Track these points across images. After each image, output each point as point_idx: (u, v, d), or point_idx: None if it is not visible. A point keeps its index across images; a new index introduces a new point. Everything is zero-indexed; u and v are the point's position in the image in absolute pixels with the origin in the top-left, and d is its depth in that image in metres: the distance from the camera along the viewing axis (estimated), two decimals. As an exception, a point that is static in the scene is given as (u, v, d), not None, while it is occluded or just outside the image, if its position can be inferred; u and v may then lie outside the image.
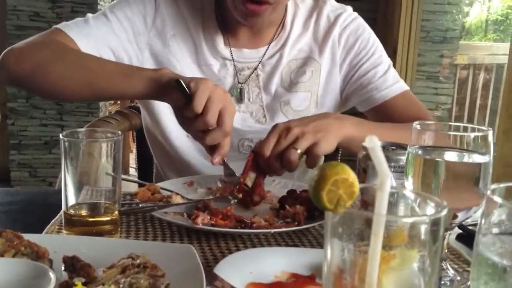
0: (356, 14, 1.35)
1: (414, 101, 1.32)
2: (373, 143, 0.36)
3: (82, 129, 0.86)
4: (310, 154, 1.00)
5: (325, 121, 1.03)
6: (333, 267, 0.46)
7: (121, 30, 1.22)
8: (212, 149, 1.03)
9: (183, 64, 1.25)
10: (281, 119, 1.27)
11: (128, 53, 1.22)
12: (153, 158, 1.48)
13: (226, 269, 0.72)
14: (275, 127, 1.01)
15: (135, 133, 1.73)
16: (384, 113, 1.27)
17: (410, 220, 0.44)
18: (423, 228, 0.43)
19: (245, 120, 1.29)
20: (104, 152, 0.85)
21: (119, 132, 0.86)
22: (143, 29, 1.24)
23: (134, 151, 1.67)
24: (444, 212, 0.42)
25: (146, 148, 1.54)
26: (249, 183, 0.99)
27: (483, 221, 0.48)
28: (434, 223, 0.42)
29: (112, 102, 6.13)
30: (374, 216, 0.40)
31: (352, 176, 0.42)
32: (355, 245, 0.45)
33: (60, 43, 1.13)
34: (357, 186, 0.42)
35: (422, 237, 0.45)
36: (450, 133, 0.73)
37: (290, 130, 0.99)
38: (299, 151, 0.97)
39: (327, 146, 1.01)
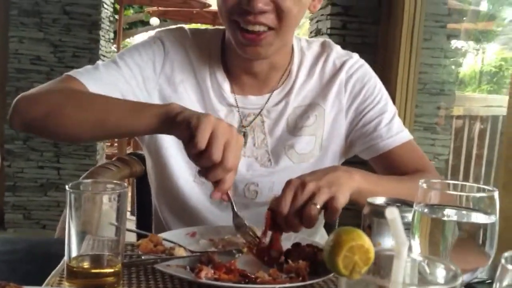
0: (362, 61, 1.37)
1: (417, 151, 1.33)
2: (394, 214, 0.36)
3: (88, 180, 0.86)
4: (329, 209, 1.00)
5: (336, 174, 1.03)
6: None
7: (131, 77, 1.24)
8: (215, 186, 1.01)
9: (191, 109, 1.26)
10: (285, 162, 1.29)
11: (138, 98, 1.24)
12: (151, 206, 1.47)
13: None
14: (289, 183, 1.01)
15: (134, 180, 1.72)
16: (387, 162, 1.28)
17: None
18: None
19: (251, 165, 1.30)
20: (109, 203, 0.84)
21: (125, 184, 0.86)
22: (152, 74, 1.27)
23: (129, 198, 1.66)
24: (460, 279, 0.42)
25: (146, 195, 1.54)
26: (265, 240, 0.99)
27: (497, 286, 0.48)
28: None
29: (109, 144, 6.15)
30: (391, 284, 0.40)
31: (367, 242, 0.42)
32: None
33: (71, 87, 1.16)
34: (372, 252, 0.42)
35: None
36: (456, 193, 0.73)
37: (305, 185, 0.99)
38: (318, 206, 0.97)
39: (343, 199, 1.00)
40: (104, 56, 4.43)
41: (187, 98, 1.28)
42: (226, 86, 1.29)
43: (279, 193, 1.01)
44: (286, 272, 0.92)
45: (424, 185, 0.74)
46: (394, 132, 1.30)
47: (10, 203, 4.36)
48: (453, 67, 3.36)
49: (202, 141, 0.95)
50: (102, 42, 4.36)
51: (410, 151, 1.32)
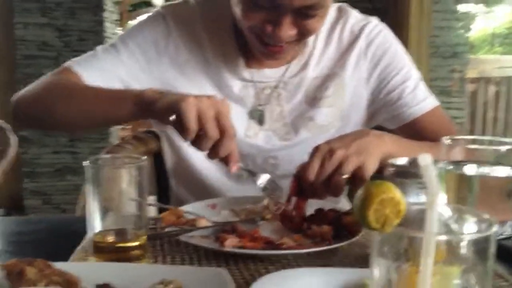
0: (382, 25, 1.31)
1: (444, 117, 1.29)
2: (427, 161, 0.35)
3: (106, 156, 0.86)
4: (356, 178, 0.98)
5: (366, 139, 1.00)
6: (381, 286, 0.46)
7: (132, 60, 1.23)
8: (224, 160, 0.99)
9: (199, 88, 1.24)
10: (305, 135, 1.26)
11: (140, 82, 1.22)
12: (169, 182, 1.48)
13: (259, 292, 0.71)
14: (317, 149, 0.98)
15: (152, 161, 1.71)
16: (414, 130, 1.24)
17: (464, 237, 0.43)
18: (472, 246, 0.43)
19: (270, 139, 1.27)
20: (129, 177, 0.84)
21: (144, 157, 0.86)
22: (156, 56, 1.24)
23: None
24: (495, 227, 0.41)
25: (164, 172, 1.54)
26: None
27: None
28: (485, 240, 0.41)
29: (121, 127, 6.16)
30: (425, 235, 0.39)
31: (398, 194, 0.41)
32: (402, 264, 0.45)
33: (63, 83, 1.17)
34: (403, 204, 0.42)
35: (469, 253, 0.44)
36: (481, 147, 0.72)
37: (333, 153, 0.96)
38: (345, 176, 0.95)
39: (372, 167, 0.98)
40: (109, 38, 4.40)
41: (195, 79, 1.25)
42: (240, 61, 1.25)
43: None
44: (311, 237, 0.92)
45: (448, 142, 0.73)
46: (420, 99, 1.25)
47: (29, 189, 4.40)
48: (464, 29, 3.30)
49: (193, 127, 0.92)
50: (107, 24, 4.33)
51: (437, 118, 1.27)
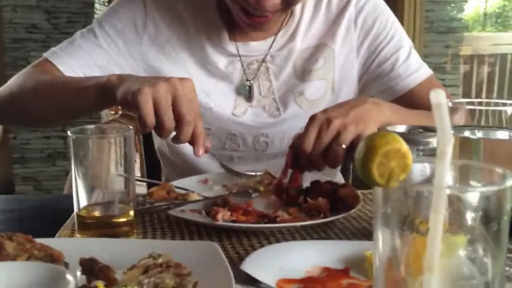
0: None
1: (438, 86, 1.25)
2: (439, 98, 0.31)
3: (91, 126, 0.82)
4: (354, 147, 0.94)
5: (364, 107, 0.96)
6: (385, 257, 0.42)
7: (111, 44, 1.18)
8: (191, 143, 0.95)
9: (183, 68, 1.20)
10: (295, 110, 1.22)
11: (121, 65, 1.18)
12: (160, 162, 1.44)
13: (254, 265, 0.67)
14: (313, 118, 0.94)
15: (141, 137, 1.68)
16: (408, 102, 1.18)
17: (479, 190, 0.38)
18: (485, 202, 0.39)
19: (258, 116, 1.23)
20: (115, 148, 0.80)
21: (130, 126, 0.81)
22: (135, 37, 1.19)
23: (138, 160, 1.62)
24: (511, 180, 0.37)
25: (154, 153, 1.50)
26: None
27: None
28: (500, 194, 0.37)
29: (113, 111, 6.09)
30: (434, 189, 0.35)
31: (404, 146, 0.37)
32: (408, 228, 0.41)
33: (37, 78, 1.13)
34: (410, 157, 0.38)
35: (478, 217, 0.41)
36: (486, 108, 0.68)
37: (330, 122, 0.92)
38: (344, 146, 0.91)
39: None
40: (100, 20, 4.32)
41: (177, 57, 1.20)
42: (224, 35, 1.20)
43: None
44: (306, 210, 0.89)
45: (449, 105, 0.69)
46: (413, 68, 1.21)
47: (20, 175, 4.34)
48: (457, 8, 3.25)
49: (150, 119, 0.87)
50: (96, 6, 4.25)
51: (431, 88, 1.23)
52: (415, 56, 1.24)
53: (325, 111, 0.96)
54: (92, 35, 1.18)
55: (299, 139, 0.93)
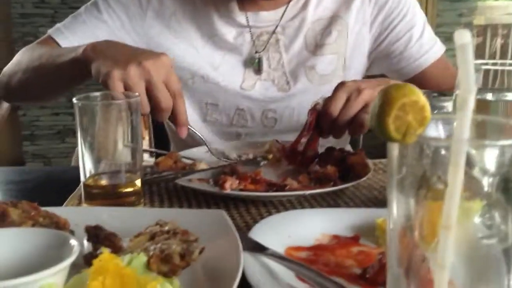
0: None
1: (449, 66, 1.22)
2: (464, 38, 0.29)
3: (97, 93, 0.80)
4: None
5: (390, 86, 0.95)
6: (399, 222, 0.40)
7: (114, 18, 1.16)
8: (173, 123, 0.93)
9: (188, 42, 1.17)
10: (305, 85, 1.19)
11: (123, 40, 1.14)
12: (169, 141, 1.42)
13: (262, 233, 0.66)
14: (342, 85, 0.92)
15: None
16: (418, 82, 1.17)
17: (502, 143, 0.36)
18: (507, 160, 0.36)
19: (267, 89, 1.20)
20: (121, 115, 0.78)
21: (137, 93, 0.79)
22: (139, 11, 1.17)
23: (146, 137, 1.61)
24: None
25: (161, 127, 1.48)
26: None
27: None
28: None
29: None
30: (454, 142, 0.33)
31: (422, 98, 0.35)
32: (424, 189, 0.39)
33: (34, 55, 1.12)
34: (429, 110, 0.35)
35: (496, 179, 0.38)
36: (499, 67, 0.65)
37: (361, 91, 0.91)
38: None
39: None
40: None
41: (181, 30, 1.17)
42: (233, 4, 1.17)
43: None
44: (315, 179, 0.87)
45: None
46: (427, 47, 1.19)
47: (30, 152, 4.36)
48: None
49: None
50: (104, -20, 4.21)
51: (443, 68, 1.21)
52: (428, 34, 1.21)
53: (354, 81, 0.94)
54: (96, 10, 1.17)
55: (327, 102, 0.92)
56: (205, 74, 1.18)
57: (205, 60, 1.18)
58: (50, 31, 1.18)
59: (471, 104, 0.32)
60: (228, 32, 1.18)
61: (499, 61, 0.67)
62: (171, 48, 1.16)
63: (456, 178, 0.34)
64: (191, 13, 1.18)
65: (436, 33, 1.27)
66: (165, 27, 1.18)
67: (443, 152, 0.37)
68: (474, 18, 3.24)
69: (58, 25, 1.18)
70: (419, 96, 0.35)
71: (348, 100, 0.91)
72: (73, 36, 1.15)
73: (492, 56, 4.18)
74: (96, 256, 0.57)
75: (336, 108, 0.91)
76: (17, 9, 4.10)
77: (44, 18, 4.06)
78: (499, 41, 4.14)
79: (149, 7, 1.17)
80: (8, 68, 1.17)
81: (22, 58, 1.15)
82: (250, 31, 1.18)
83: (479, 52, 3.90)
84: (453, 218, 0.36)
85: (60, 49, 1.10)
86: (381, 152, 0.47)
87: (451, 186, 0.34)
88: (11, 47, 4.07)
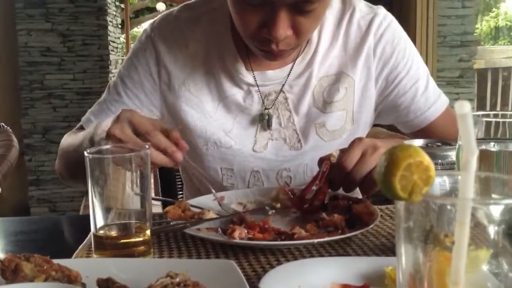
0: (389, 16, 1.22)
1: (453, 115, 1.23)
2: (465, 109, 0.31)
3: (107, 146, 0.82)
4: None
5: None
6: (408, 272, 0.41)
7: (133, 98, 1.21)
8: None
9: (200, 107, 1.20)
10: (316, 142, 1.20)
11: (144, 114, 1.19)
12: (175, 180, 1.44)
13: (272, 283, 0.66)
14: (359, 141, 0.94)
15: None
16: (426, 133, 1.19)
17: (505, 202, 0.37)
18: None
19: (279, 149, 1.20)
20: (131, 167, 0.80)
21: (147, 145, 0.81)
22: (153, 86, 1.22)
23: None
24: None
25: (168, 172, 1.50)
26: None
27: None
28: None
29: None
30: (459, 201, 0.35)
31: (427, 159, 0.37)
32: (431, 243, 0.40)
33: (64, 146, 1.22)
34: (433, 170, 0.37)
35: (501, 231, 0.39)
36: (500, 120, 0.67)
37: (376, 150, 0.92)
38: None
39: None
40: (113, 42, 4.38)
41: (192, 98, 1.20)
42: (240, 66, 1.18)
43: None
44: (323, 227, 0.88)
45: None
46: (432, 100, 1.21)
47: (35, 197, 4.38)
48: (472, 16, 3.23)
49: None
50: (110, 28, 4.32)
51: (449, 118, 1.23)
52: (433, 85, 1.23)
53: (371, 139, 0.96)
54: (116, 94, 1.22)
55: (343, 155, 0.93)
56: (218, 140, 1.20)
57: (217, 125, 1.20)
58: (82, 120, 1.26)
59: (474, 165, 0.34)
60: (237, 93, 1.19)
61: (500, 112, 0.69)
62: (184, 117, 1.20)
63: (462, 236, 0.35)
64: (201, 78, 1.20)
65: (437, 78, 1.30)
66: (176, 97, 1.20)
67: (448, 207, 0.39)
68: (474, 62, 3.29)
69: (87, 115, 1.26)
70: (424, 156, 0.37)
71: (363, 156, 0.92)
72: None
73: (496, 94, 4.23)
74: (108, 310, 0.57)
75: (351, 162, 0.91)
76: (24, 58, 4.19)
77: (50, 66, 4.15)
78: (500, 83, 4.20)
79: (161, 81, 1.21)
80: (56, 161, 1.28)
81: (61, 147, 1.24)
82: (259, 90, 1.19)
83: (481, 90, 3.96)
84: (461, 274, 0.37)
85: (82, 135, 1.14)
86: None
87: (458, 243, 0.35)
88: (18, 94, 4.14)
